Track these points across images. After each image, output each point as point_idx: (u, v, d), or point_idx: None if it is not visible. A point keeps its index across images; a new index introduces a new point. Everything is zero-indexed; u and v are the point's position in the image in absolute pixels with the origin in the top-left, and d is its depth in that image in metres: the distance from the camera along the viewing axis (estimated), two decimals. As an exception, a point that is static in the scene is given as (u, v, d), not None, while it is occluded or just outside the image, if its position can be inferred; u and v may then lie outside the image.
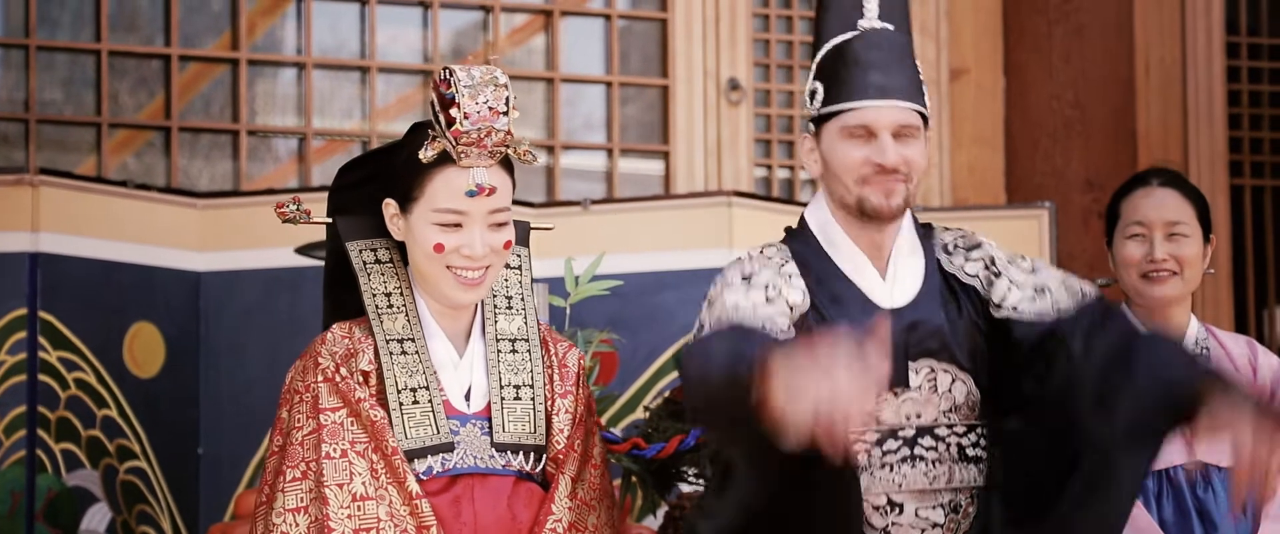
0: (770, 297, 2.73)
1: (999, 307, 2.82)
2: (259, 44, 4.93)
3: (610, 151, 5.13)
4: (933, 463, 2.76)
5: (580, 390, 2.85)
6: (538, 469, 2.78)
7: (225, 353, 4.12)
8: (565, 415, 2.81)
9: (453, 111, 2.69)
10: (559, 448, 2.79)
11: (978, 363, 2.81)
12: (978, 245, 2.89)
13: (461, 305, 2.79)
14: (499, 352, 2.81)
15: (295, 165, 4.89)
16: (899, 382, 2.75)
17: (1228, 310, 5.30)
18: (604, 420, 3.45)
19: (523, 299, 2.87)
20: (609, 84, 5.15)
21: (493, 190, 2.72)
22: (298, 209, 2.88)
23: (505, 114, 2.70)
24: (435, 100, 2.73)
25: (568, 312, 3.55)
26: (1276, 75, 5.54)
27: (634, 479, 3.47)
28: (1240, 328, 5.30)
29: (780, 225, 3.06)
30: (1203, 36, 5.39)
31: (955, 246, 2.89)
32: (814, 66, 2.89)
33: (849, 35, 2.83)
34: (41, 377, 3.83)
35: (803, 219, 2.91)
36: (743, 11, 5.17)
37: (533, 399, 2.79)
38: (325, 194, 2.90)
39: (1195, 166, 5.29)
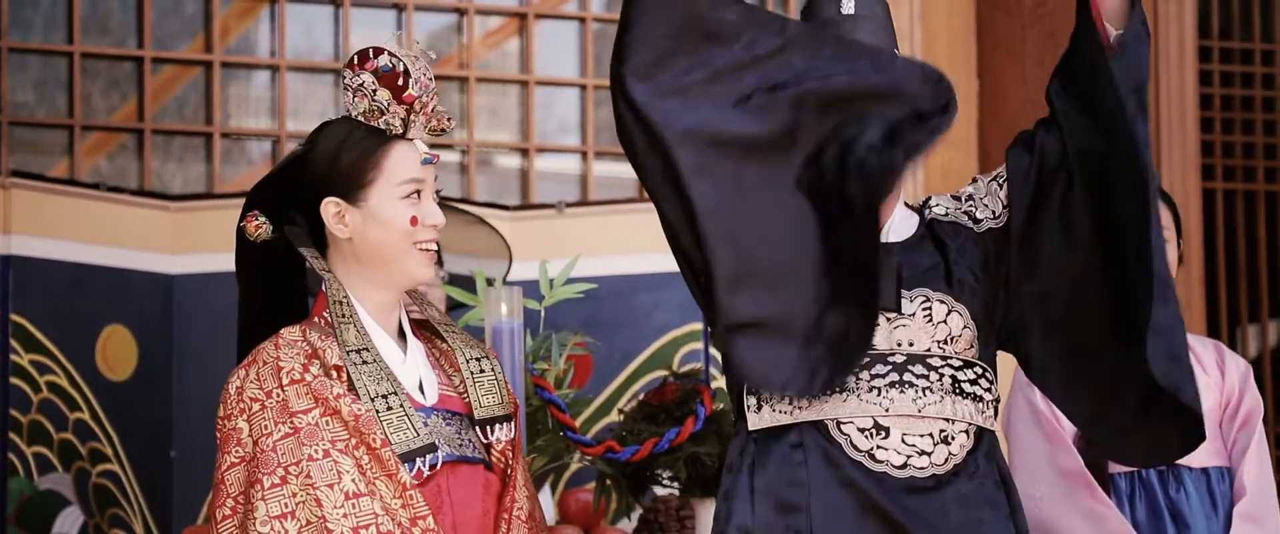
0: None
1: (996, 215, 2.87)
2: (233, 46, 4.92)
3: (584, 154, 5.13)
4: (922, 390, 2.75)
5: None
6: (504, 441, 2.81)
7: (198, 356, 4.11)
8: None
9: (401, 80, 2.72)
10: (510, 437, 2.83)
11: (974, 298, 2.82)
12: (928, 198, 2.94)
13: (424, 282, 2.82)
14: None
15: (269, 168, 4.88)
16: (892, 307, 2.75)
17: (1200, 313, 5.32)
18: (578, 423, 3.45)
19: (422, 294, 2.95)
20: (583, 87, 5.15)
21: (438, 158, 2.77)
22: (264, 220, 2.88)
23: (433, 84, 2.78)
24: (370, 81, 2.73)
25: (542, 314, 3.55)
26: (1248, 79, 5.56)
27: (608, 482, 3.47)
28: (1212, 331, 5.32)
29: (754, 228, 3.07)
30: (1175, 40, 5.41)
31: (922, 207, 2.94)
32: None
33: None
34: (13, 380, 3.82)
35: None
36: (717, 15, 5.17)
37: (494, 369, 2.83)
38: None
39: (1167, 170, 5.30)
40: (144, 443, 4.07)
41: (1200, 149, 5.44)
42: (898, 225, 2.87)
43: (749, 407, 2.79)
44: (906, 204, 2.92)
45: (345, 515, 2.61)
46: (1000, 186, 2.88)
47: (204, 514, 4.09)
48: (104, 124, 4.77)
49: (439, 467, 2.73)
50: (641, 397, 3.51)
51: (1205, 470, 3.52)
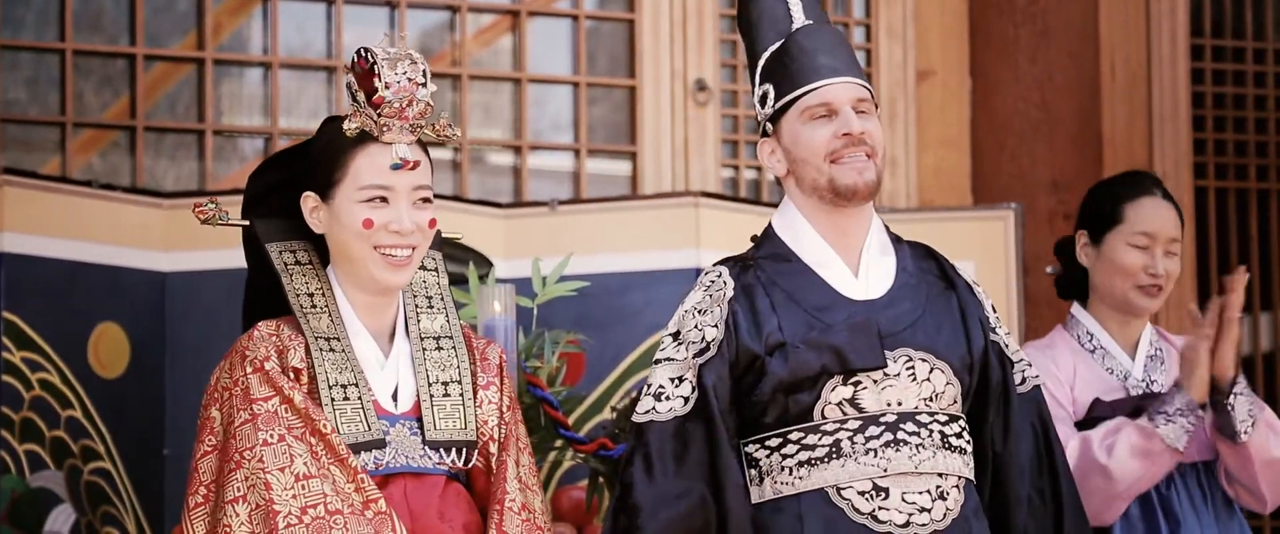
0: (693, 354, 2.81)
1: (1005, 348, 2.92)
2: (225, 44, 4.91)
3: (577, 152, 5.13)
4: (916, 447, 2.76)
5: (504, 382, 2.87)
6: (468, 466, 2.80)
7: (191, 353, 4.10)
8: (490, 406, 2.84)
9: (373, 82, 2.72)
10: (487, 437, 2.81)
11: (956, 355, 2.83)
12: (924, 248, 2.96)
13: (390, 288, 2.79)
14: (424, 349, 2.81)
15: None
16: (879, 364, 2.76)
17: (1192, 312, 5.32)
18: (571, 421, 3.46)
19: (442, 298, 2.89)
20: (576, 85, 5.15)
21: (416, 164, 2.75)
22: (216, 208, 2.89)
23: (424, 86, 2.73)
24: (353, 80, 2.76)
25: (535, 312, 3.55)
26: (1241, 77, 5.56)
27: (601, 480, 3.47)
28: (1204, 330, 5.32)
29: (747, 226, 3.06)
30: (1167, 39, 5.41)
31: (907, 244, 2.93)
32: (758, 74, 2.92)
33: (783, 38, 2.88)
34: (5, 377, 3.81)
35: (769, 226, 2.92)
36: (710, 13, 5.17)
37: (462, 395, 2.80)
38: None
39: (1160, 169, 5.31)
40: (136, 441, 4.06)
41: (1192, 147, 5.44)
42: (875, 270, 2.86)
43: (751, 480, 2.80)
44: (887, 231, 2.92)
45: (294, 497, 2.64)
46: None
47: (196, 512, 4.08)
48: (96, 121, 4.76)
49: (393, 473, 2.73)
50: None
51: (1196, 466, 3.53)
